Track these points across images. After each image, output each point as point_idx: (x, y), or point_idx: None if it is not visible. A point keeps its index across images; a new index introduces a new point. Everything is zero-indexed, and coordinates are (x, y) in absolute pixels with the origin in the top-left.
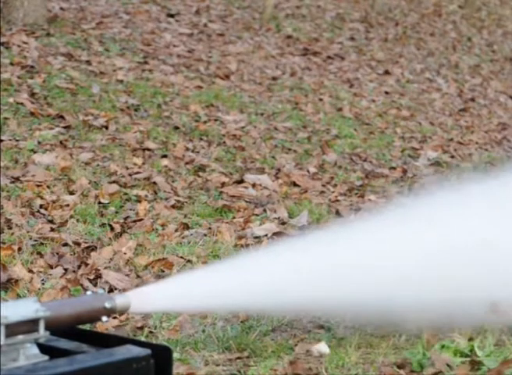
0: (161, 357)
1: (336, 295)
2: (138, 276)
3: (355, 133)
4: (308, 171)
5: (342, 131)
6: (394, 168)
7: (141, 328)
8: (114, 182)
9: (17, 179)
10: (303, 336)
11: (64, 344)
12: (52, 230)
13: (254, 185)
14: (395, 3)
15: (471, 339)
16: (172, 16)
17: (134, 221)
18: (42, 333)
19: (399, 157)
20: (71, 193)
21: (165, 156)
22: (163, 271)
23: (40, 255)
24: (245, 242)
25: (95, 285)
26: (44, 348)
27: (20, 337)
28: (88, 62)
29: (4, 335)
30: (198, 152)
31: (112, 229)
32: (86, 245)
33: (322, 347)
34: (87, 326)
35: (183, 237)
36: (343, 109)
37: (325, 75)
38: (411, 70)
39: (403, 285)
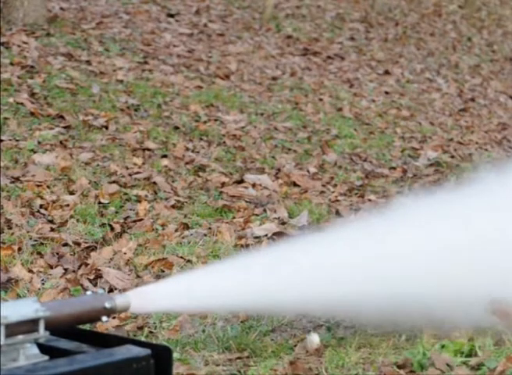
0: (161, 357)
1: (336, 295)
2: (138, 276)
3: (355, 133)
4: (308, 171)
5: (342, 131)
6: (394, 168)
7: (141, 328)
8: (114, 182)
9: (17, 179)
10: (303, 336)
11: (64, 344)
12: (52, 230)
13: (254, 185)
14: (395, 3)
15: (471, 339)
16: (172, 16)
17: (134, 221)
18: (42, 333)
19: (399, 157)
20: (71, 193)
21: (165, 156)
22: (163, 271)
23: (40, 255)
24: (245, 242)
25: (95, 285)
26: (44, 348)
27: (20, 337)
28: (88, 62)
29: (4, 335)
30: (198, 152)
31: (112, 229)
32: (86, 245)
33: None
34: (87, 326)
35: (183, 237)
36: (343, 109)
37: (325, 75)
38: (411, 70)
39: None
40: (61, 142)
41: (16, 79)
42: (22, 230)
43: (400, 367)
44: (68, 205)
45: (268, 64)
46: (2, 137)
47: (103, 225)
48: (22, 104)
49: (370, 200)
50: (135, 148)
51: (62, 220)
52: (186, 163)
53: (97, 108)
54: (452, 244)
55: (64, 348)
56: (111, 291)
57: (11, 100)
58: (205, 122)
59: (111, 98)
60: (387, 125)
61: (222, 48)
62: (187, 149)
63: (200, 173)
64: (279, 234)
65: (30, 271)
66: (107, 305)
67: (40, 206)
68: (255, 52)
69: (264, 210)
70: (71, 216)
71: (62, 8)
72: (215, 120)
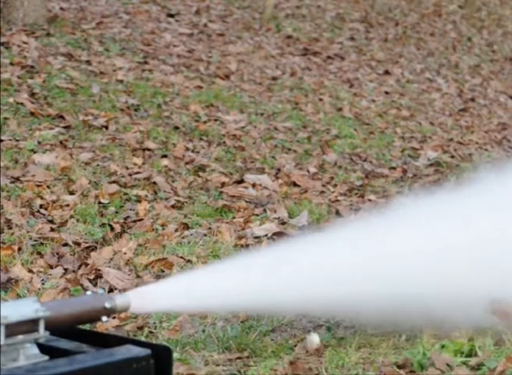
0: (161, 357)
1: (335, 295)
2: (138, 276)
3: (355, 133)
4: (308, 171)
5: (342, 131)
6: (394, 168)
7: (141, 328)
8: (114, 182)
9: (17, 179)
10: (303, 336)
11: (64, 344)
12: (52, 230)
13: (254, 185)
14: (395, 3)
15: (471, 339)
16: (172, 16)
17: (134, 221)
18: (42, 333)
19: (399, 157)
20: (71, 193)
21: (165, 156)
22: (163, 271)
23: (40, 255)
24: (245, 242)
25: (95, 285)
26: (44, 348)
27: (20, 337)
28: (88, 62)
29: (4, 335)
30: (198, 152)
31: (112, 229)
32: (86, 245)
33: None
34: (87, 326)
35: (183, 237)
36: (343, 109)
37: (325, 75)
38: (411, 70)
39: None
40: (61, 142)
41: (15, 79)
42: (22, 230)
43: (400, 367)
44: (68, 205)
45: (268, 64)
46: (2, 137)
47: (103, 225)
48: (22, 104)
49: (370, 200)
50: (135, 148)
51: (62, 220)
52: (186, 163)
53: (97, 108)
54: (452, 244)
55: (64, 348)
56: (111, 291)
57: (11, 100)
58: (205, 122)
59: (111, 98)
60: (387, 125)
61: (222, 48)
62: (187, 149)
63: (200, 173)
64: (279, 234)
65: (30, 271)
66: (107, 305)
67: (40, 206)
68: (255, 52)
69: (264, 210)
70: (71, 216)
71: (62, 8)
72: (215, 120)
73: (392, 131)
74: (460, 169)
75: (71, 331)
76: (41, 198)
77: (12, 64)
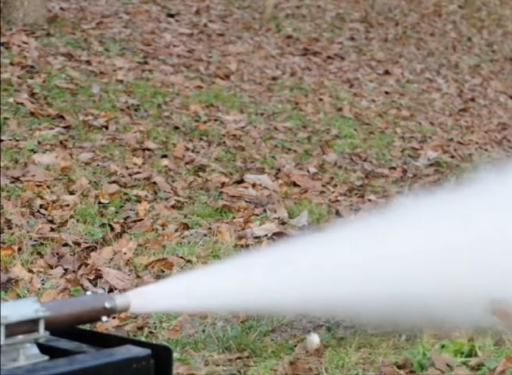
0: (161, 357)
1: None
2: (138, 276)
3: (355, 133)
4: (308, 171)
5: (342, 131)
6: (394, 168)
7: (141, 328)
8: (114, 182)
9: (17, 179)
10: (303, 336)
11: (64, 344)
12: (52, 230)
13: (254, 185)
14: (395, 3)
15: (471, 339)
16: (172, 16)
17: (134, 221)
18: (42, 333)
19: (399, 157)
20: (71, 193)
21: (165, 156)
22: (163, 271)
23: (40, 255)
24: (245, 242)
25: (95, 285)
26: (44, 348)
27: (20, 337)
28: (88, 62)
29: (4, 335)
30: (198, 152)
31: (112, 229)
32: (86, 245)
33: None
34: (87, 326)
35: (183, 237)
36: (343, 109)
37: (325, 75)
38: (411, 70)
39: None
40: (61, 142)
41: (16, 79)
42: (22, 230)
43: (400, 367)
44: (68, 205)
45: (268, 64)
46: (2, 137)
47: (103, 225)
48: (22, 104)
49: (370, 200)
50: (135, 148)
51: (62, 220)
52: (186, 163)
53: (97, 108)
54: (452, 245)
55: (64, 348)
56: (111, 291)
57: (11, 100)
58: (205, 122)
59: (111, 98)
60: (387, 125)
61: (222, 48)
62: (187, 149)
63: (200, 173)
64: (279, 234)
65: (30, 271)
66: (107, 305)
67: (40, 206)
68: (255, 52)
69: (264, 210)
70: (71, 216)
71: (62, 8)
72: (215, 120)
73: (392, 131)
74: (460, 169)
75: (71, 331)
76: (41, 198)
77: (12, 64)
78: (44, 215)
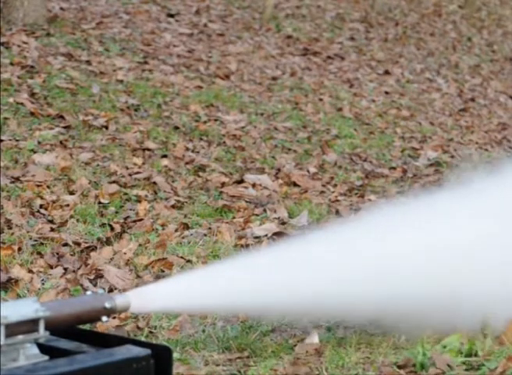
0: (161, 357)
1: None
2: (138, 276)
3: (355, 133)
4: (308, 171)
5: (342, 131)
6: (394, 168)
7: (141, 328)
8: (114, 182)
9: (17, 179)
10: (303, 336)
11: (64, 344)
12: (52, 230)
13: (254, 185)
14: (395, 3)
15: (471, 339)
16: (172, 16)
17: (134, 221)
18: (42, 333)
19: (399, 157)
20: (71, 193)
21: (165, 156)
22: (163, 271)
23: (40, 255)
24: (245, 242)
25: (95, 285)
26: (44, 348)
27: (20, 337)
28: (88, 62)
29: (4, 335)
30: (198, 152)
31: (112, 229)
32: (86, 245)
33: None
34: (87, 326)
35: (183, 237)
36: (343, 109)
37: (325, 75)
38: (411, 70)
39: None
40: (61, 142)
41: (16, 79)
42: (22, 230)
43: (400, 367)
44: (68, 205)
45: (268, 64)
46: (2, 137)
47: (103, 225)
48: (22, 104)
49: (370, 200)
50: (135, 148)
51: (62, 220)
52: (186, 163)
53: (97, 108)
54: (452, 245)
55: (64, 348)
56: (111, 290)
57: (11, 100)
58: (205, 122)
59: (111, 98)
60: (387, 125)
61: (222, 48)
62: (187, 149)
63: (200, 173)
64: (279, 234)
65: (30, 271)
66: (107, 305)
67: (40, 206)
68: (255, 52)
69: (264, 210)
70: (71, 216)
71: (62, 8)
72: (215, 120)
73: (392, 131)
74: (460, 169)
75: (71, 331)
76: (41, 198)
77: (12, 64)
78: (44, 215)
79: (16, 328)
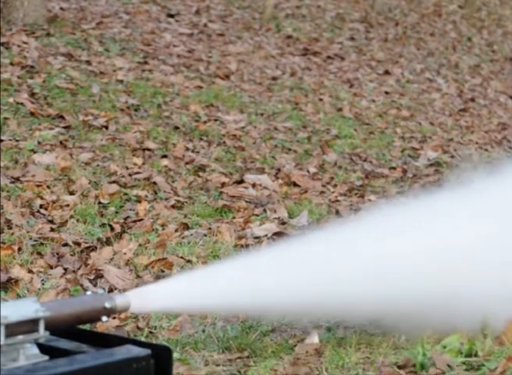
0: (161, 357)
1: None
2: (138, 277)
3: (355, 133)
4: (308, 171)
5: (342, 131)
6: (394, 168)
7: (141, 328)
8: (114, 182)
9: (17, 179)
10: (303, 336)
11: (64, 344)
12: (52, 230)
13: (254, 185)
14: (395, 3)
15: (471, 339)
16: (172, 16)
17: (134, 221)
18: (42, 333)
19: (399, 157)
20: (71, 193)
21: (165, 156)
22: (163, 271)
23: (40, 255)
24: (245, 242)
25: (95, 285)
26: (44, 348)
27: (20, 337)
28: (88, 62)
29: (4, 335)
30: (198, 152)
31: (112, 229)
32: (86, 245)
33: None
34: (87, 326)
35: (183, 237)
36: (343, 109)
37: (325, 75)
38: (411, 70)
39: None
40: (61, 142)
41: (16, 79)
42: (22, 230)
43: (400, 367)
44: (68, 205)
45: (268, 64)
46: (2, 137)
47: (103, 225)
48: (22, 104)
49: (370, 200)
50: (135, 148)
51: (62, 220)
52: (186, 163)
53: (97, 108)
54: (452, 245)
55: (64, 348)
56: (111, 291)
57: (11, 100)
58: (205, 122)
59: (111, 98)
60: (387, 125)
61: (222, 48)
62: (187, 149)
63: (200, 173)
64: (279, 234)
65: (30, 271)
66: (107, 305)
67: (40, 206)
68: (255, 52)
69: (264, 210)
70: (71, 216)
71: (62, 8)
72: (215, 120)
73: (392, 131)
74: (460, 169)
75: (71, 331)
76: (41, 198)
77: (12, 64)
78: (44, 215)
79: (15, 328)
